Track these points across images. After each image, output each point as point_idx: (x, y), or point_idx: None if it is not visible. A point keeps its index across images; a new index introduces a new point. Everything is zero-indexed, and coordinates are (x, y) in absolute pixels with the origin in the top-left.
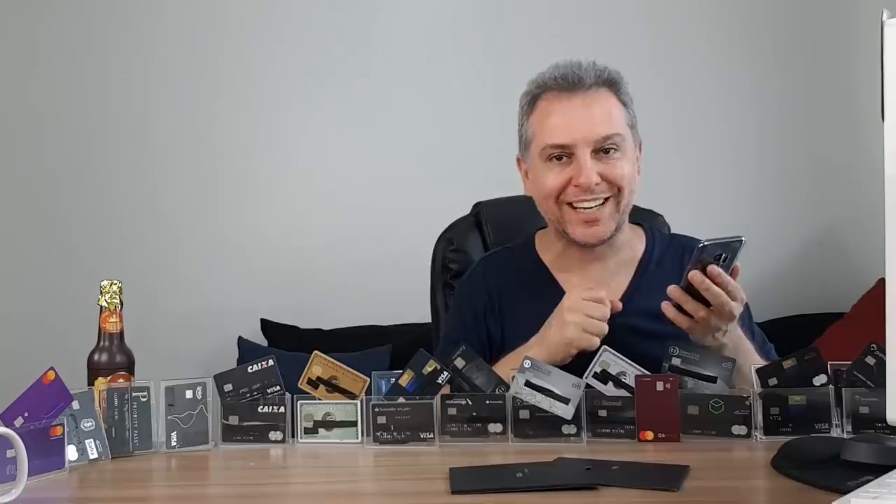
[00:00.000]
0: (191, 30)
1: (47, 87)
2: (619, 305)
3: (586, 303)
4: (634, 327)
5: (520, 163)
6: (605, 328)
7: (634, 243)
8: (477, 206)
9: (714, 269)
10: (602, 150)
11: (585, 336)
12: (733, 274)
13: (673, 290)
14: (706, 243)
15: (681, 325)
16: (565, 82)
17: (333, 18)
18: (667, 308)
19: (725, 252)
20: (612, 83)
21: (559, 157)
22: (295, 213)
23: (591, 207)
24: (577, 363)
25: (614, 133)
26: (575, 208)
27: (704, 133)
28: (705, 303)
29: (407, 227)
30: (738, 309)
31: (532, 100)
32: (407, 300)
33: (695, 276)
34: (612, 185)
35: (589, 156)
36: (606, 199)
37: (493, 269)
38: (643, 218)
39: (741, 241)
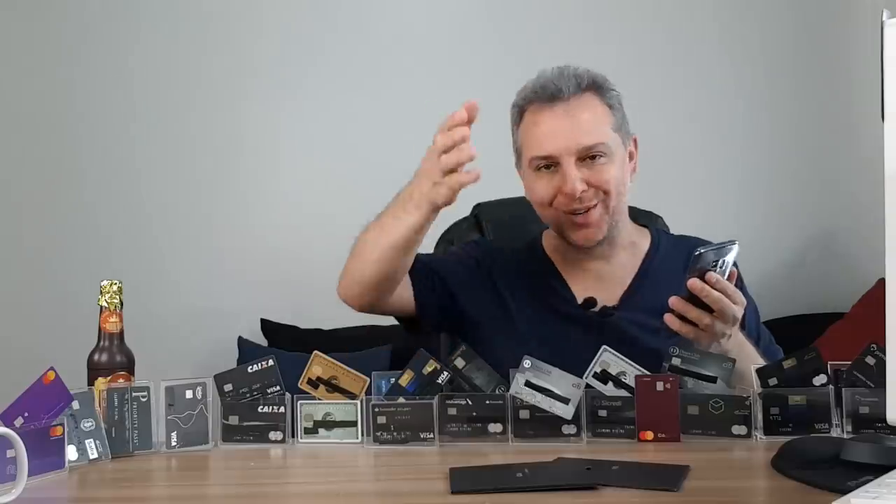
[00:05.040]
0: (191, 31)
1: (48, 88)
2: (461, 113)
3: (429, 155)
4: (639, 322)
5: (518, 170)
6: (452, 159)
7: (639, 241)
8: (477, 206)
9: (712, 275)
10: (588, 157)
11: (435, 189)
12: (730, 278)
13: (675, 300)
14: (701, 251)
15: (687, 334)
16: (545, 93)
17: (333, 18)
18: (671, 320)
19: (721, 257)
20: (594, 87)
21: (547, 167)
22: (295, 213)
23: (581, 212)
24: (577, 363)
25: (598, 142)
26: (567, 213)
27: (704, 135)
28: (707, 310)
29: None
30: (739, 312)
31: (519, 112)
32: None
33: (694, 283)
34: (599, 189)
35: (573, 165)
36: (596, 204)
37: (501, 254)
38: (643, 219)
39: (735, 244)
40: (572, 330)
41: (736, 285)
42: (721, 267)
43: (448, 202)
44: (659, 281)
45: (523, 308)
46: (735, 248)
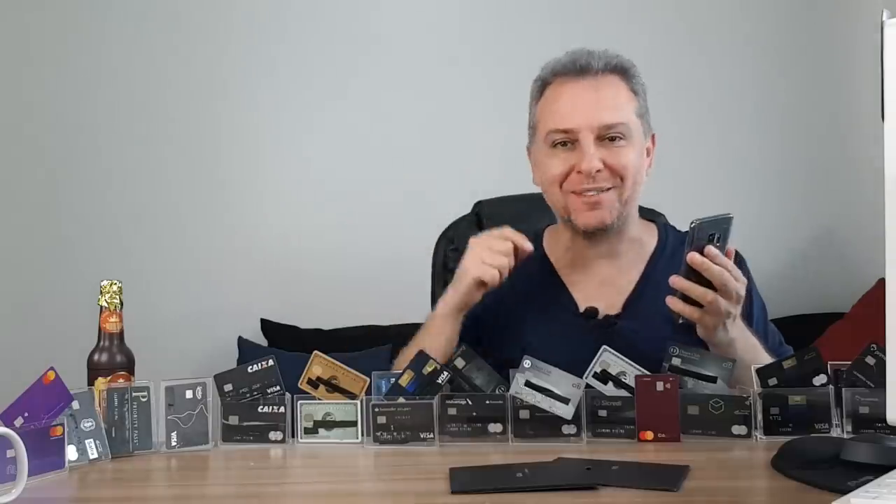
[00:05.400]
0: (190, 31)
1: (47, 87)
2: (529, 246)
3: (488, 238)
4: (641, 332)
5: (529, 152)
6: (504, 261)
7: (646, 239)
8: (478, 204)
9: (711, 249)
10: (607, 137)
11: (482, 267)
12: (727, 255)
13: (675, 279)
14: (698, 221)
15: (691, 316)
16: (574, 67)
17: (334, 17)
18: (673, 302)
19: (717, 230)
20: (622, 71)
21: (564, 144)
22: (295, 212)
23: (593, 193)
24: (577, 363)
25: (619, 122)
26: (578, 194)
27: (704, 133)
28: (709, 287)
29: (407, 226)
30: (742, 289)
31: (541, 86)
32: (407, 300)
33: (694, 257)
34: (616, 173)
35: (592, 142)
36: (609, 188)
37: None
38: (647, 216)
39: (730, 217)
40: (573, 340)
41: (737, 264)
42: (718, 241)
43: (493, 279)
44: (662, 285)
45: (523, 316)
46: (731, 222)
